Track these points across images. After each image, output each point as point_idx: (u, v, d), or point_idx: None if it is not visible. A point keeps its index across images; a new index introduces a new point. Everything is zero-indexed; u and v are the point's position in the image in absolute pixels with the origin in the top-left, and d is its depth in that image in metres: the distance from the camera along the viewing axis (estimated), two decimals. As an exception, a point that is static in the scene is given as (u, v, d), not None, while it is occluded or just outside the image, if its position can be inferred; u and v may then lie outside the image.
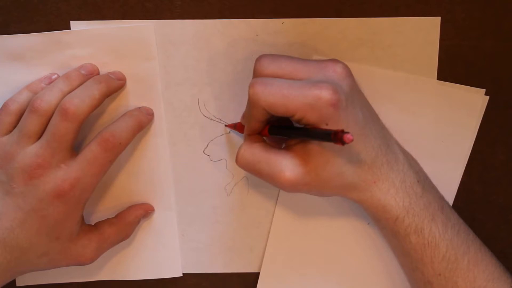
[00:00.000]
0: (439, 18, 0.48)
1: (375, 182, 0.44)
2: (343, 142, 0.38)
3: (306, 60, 0.44)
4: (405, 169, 0.46)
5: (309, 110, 0.41)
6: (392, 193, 0.45)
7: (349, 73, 0.43)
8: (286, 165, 0.43)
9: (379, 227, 0.48)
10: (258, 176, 0.44)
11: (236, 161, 0.45)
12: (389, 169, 0.45)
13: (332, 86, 0.41)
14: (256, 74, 0.44)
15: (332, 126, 0.41)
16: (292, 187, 0.43)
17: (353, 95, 0.43)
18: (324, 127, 0.41)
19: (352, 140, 0.37)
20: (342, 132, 0.38)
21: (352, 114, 0.42)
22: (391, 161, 0.45)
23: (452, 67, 0.49)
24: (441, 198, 0.47)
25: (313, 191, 0.45)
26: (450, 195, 0.51)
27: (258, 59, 0.44)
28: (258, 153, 0.44)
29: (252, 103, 0.42)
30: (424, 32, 0.49)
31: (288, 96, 0.41)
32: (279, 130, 0.45)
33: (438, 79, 0.49)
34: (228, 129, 0.51)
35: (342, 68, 0.43)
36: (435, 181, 0.50)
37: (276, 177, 0.43)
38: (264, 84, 0.42)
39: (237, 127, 0.49)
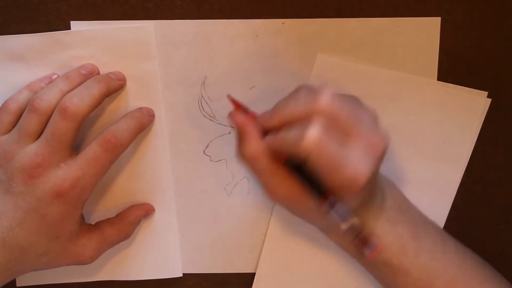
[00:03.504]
0: (439, 18, 0.48)
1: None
2: (366, 254, 0.40)
3: (362, 118, 0.41)
4: (376, 213, 0.45)
5: (337, 187, 0.40)
6: None
7: (385, 151, 0.41)
8: (283, 187, 0.42)
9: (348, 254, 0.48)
10: (252, 174, 0.43)
11: (243, 155, 0.43)
12: (360, 216, 0.43)
13: (368, 172, 0.39)
14: (317, 101, 0.40)
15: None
16: (275, 202, 0.45)
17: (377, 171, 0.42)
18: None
19: (374, 256, 0.40)
20: (374, 245, 0.40)
21: (366, 190, 0.41)
22: (364, 209, 0.44)
23: (452, 68, 0.49)
24: (415, 224, 0.46)
25: (285, 208, 0.45)
26: (450, 195, 0.51)
27: (325, 90, 0.40)
28: (266, 162, 0.42)
29: (300, 147, 0.39)
30: (424, 33, 0.49)
31: (330, 169, 0.39)
32: (301, 175, 0.42)
33: (438, 79, 0.49)
34: (228, 129, 0.51)
35: (383, 146, 0.41)
36: (435, 182, 0.50)
37: (269, 191, 0.43)
38: (322, 141, 0.39)
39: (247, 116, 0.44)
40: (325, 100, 0.40)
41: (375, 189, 0.45)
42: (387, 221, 0.45)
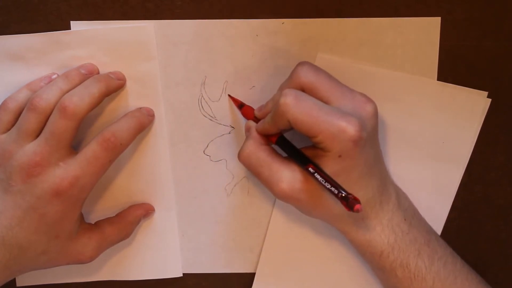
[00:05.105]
0: (439, 18, 0.48)
1: (363, 219, 0.45)
2: (351, 208, 0.39)
3: (342, 86, 0.45)
4: (394, 209, 0.46)
5: (330, 138, 0.41)
6: (378, 230, 0.45)
7: (376, 114, 0.44)
8: (286, 176, 0.44)
9: (366, 261, 0.48)
10: (255, 176, 0.45)
11: (239, 156, 0.46)
12: (380, 209, 0.45)
13: (359, 123, 0.41)
14: (294, 78, 0.44)
15: (345, 160, 0.42)
16: (284, 198, 0.44)
17: (372, 135, 0.44)
18: (335, 158, 0.42)
19: (359, 211, 0.39)
20: (355, 200, 0.39)
21: (366, 154, 0.43)
22: (383, 202, 0.46)
23: (453, 68, 0.49)
24: (428, 232, 0.48)
25: (302, 209, 0.46)
26: (450, 195, 0.51)
27: (302, 64, 0.45)
28: (263, 158, 0.45)
29: (279, 112, 0.42)
30: (424, 33, 0.49)
31: (316, 118, 0.41)
32: (289, 148, 0.45)
33: (438, 79, 0.49)
34: (228, 129, 0.51)
35: (372, 107, 0.44)
36: (435, 182, 0.50)
37: (273, 184, 0.44)
38: (297, 98, 0.42)
39: (244, 110, 0.49)
40: (301, 72, 0.44)
41: (385, 179, 0.47)
42: (405, 220, 0.46)
